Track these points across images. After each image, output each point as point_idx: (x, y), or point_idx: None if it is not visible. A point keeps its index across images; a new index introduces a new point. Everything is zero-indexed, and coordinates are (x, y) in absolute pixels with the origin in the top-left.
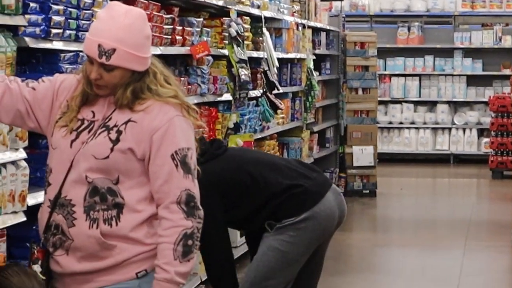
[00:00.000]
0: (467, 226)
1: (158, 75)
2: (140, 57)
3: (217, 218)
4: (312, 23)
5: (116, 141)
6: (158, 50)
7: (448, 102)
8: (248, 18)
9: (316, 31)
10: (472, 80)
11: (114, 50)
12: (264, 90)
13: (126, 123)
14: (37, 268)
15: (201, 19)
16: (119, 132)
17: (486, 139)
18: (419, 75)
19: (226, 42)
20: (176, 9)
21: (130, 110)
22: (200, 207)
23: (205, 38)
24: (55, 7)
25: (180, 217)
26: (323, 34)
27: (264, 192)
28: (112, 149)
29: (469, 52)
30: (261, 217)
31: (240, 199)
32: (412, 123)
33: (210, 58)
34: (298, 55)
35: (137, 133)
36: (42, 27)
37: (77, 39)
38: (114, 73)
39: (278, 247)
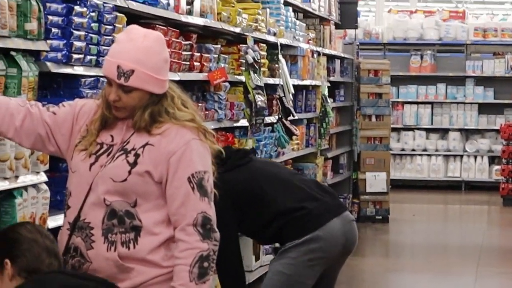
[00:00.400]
0: (478, 252)
1: (176, 99)
2: (158, 80)
3: (230, 225)
4: (327, 51)
5: (134, 164)
6: (177, 76)
7: (459, 130)
8: (264, 45)
9: (330, 58)
10: (484, 108)
11: (132, 71)
12: (280, 116)
13: (143, 146)
14: None
15: (219, 46)
16: (136, 155)
17: (497, 167)
18: (431, 103)
19: (243, 68)
20: (194, 36)
21: (147, 134)
22: (217, 230)
23: (222, 65)
24: (76, 32)
25: (196, 239)
26: (338, 62)
27: (270, 209)
28: (130, 172)
29: (480, 81)
30: (267, 236)
31: (250, 212)
32: (424, 150)
33: (227, 84)
34: (313, 82)
35: (154, 156)
36: (63, 52)
37: (98, 65)
38: (132, 95)
39: (282, 270)
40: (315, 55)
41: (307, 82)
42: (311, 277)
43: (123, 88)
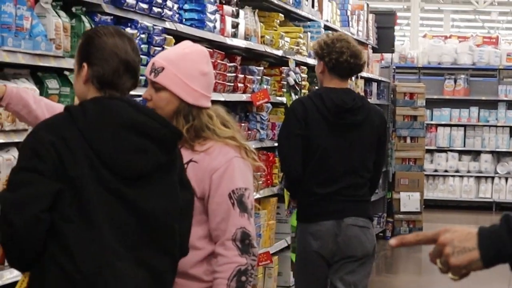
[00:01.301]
0: (509, 272)
1: (215, 118)
2: (188, 86)
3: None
4: (364, 74)
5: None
6: (221, 97)
7: (491, 152)
8: (305, 67)
9: (368, 81)
10: None
11: (163, 68)
12: None
13: (187, 162)
14: None
15: (262, 68)
16: None
17: None
18: (464, 126)
19: (285, 90)
20: (239, 58)
21: (191, 150)
22: (255, 245)
23: (265, 86)
24: None
25: (234, 253)
26: (374, 85)
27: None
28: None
29: None
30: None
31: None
32: (457, 171)
33: (269, 105)
34: None
35: (197, 173)
36: None
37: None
38: (161, 95)
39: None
40: (353, 78)
41: None
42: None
43: (154, 86)
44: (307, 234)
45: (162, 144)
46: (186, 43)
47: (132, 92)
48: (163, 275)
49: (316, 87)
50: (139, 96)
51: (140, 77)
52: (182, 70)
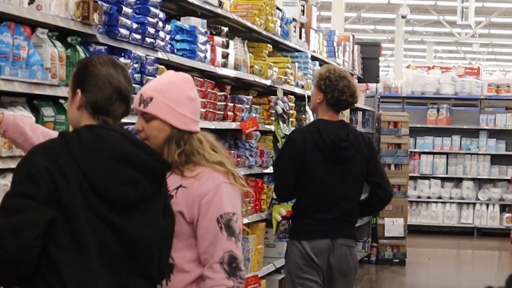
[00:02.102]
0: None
1: (205, 143)
2: (178, 112)
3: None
4: None
5: None
6: (212, 125)
7: (473, 179)
8: (293, 96)
9: (353, 110)
10: (496, 159)
11: (151, 98)
12: None
13: (177, 188)
14: None
15: (251, 97)
16: (170, 197)
17: (508, 214)
18: (447, 153)
19: (273, 118)
20: (229, 87)
21: (181, 176)
22: (242, 268)
23: (254, 115)
24: None
25: (222, 276)
26: (360, 113)
27: None
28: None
29: (493, 133)
30: None
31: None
32: (439, 197)
33: (258, 133)
34: None
35: (187, 198)
36: None
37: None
38: (152, 124)
39: None
40: None
41: None
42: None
43: (144, 117)
44: (304, 248)
45: (152, 176)
46: (170, 72)
47: (127, 120)
48: None
49: (303, 115)
50: (133, 123)
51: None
52: (170, 97)
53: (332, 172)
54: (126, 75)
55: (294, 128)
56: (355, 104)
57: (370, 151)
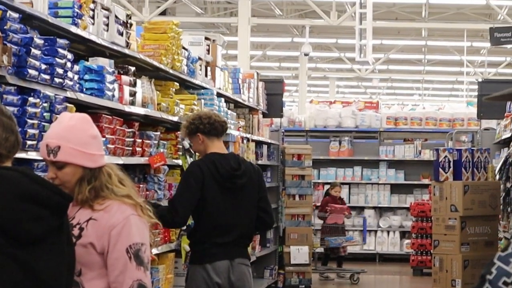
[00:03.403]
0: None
1: (113, 176)
2: (86, 153)
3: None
4: (255, 137)
5: (78, 237)
6: (120, 160)
7: (374, 208)
8: None
9: (258, 144)
10: (395, 188)
11: (59, 147)
12: None
13: (87, 220)
14: None
15: (158, 133)
16: (81, 229)
17: (407, 241)
18: (349, 183)
19: (180, 153)
20: (137, 124)
21: (91, 209)
22: None
23: (161, 150)
24: (30, 121)
25: None
26: (265, 147)
27: None
28: (75, 244)
29: (392, 164)
30: None
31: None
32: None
33: (166, 167)
34: None
35: (97, 229)
36: None
37: None
38: (65, 171)
39: None
40: (244, 141)
41: None
42: None
43: (55, 165)
44: (206, 271)
45: (55, 210)
46: (65, 115)
47: (37, 157)
48: None
49: None
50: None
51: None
52: (75, 142)
53: (228, 199)
54: (5, 113)
55: None
56: (257, 136)
57: (260, 179)
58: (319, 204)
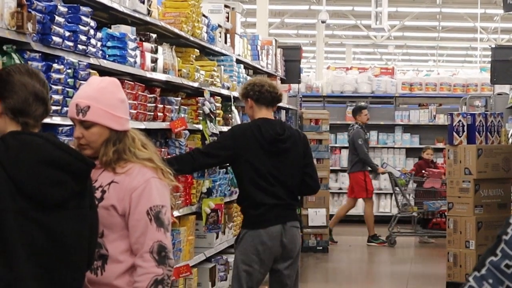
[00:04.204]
0: (406, 278)
1: (137, 140)
2: (115, 116)
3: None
4: None
5: (100, 199)
6: (142, 125)
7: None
8: (219, 97)
9: (277, 109)
10: (410, 152)
11: (88, 107)
12: None
13: (109, 183)
14: None
15: (179, 98)
16: (103, 192)
17: None
18: None
19: (201, 118)
20: (158, 90)
21: (113, 172)
22: (171, 257)
23: (182, 115)
24: (54, 87)
25: (151, 265)
26: (283, 112)
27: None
28: (97, 206)
29: (408, 128)
30: None
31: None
32: None
33: (186, 132)
34: None
35: (118, 192)
36: None
37: None
38: (92, 130)
39: None
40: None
41: None
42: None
43: (83, 125)
44: (260, 236)
45: (77, 176)
46: (95, 78)
47: (61, 122)
48: (70, 286)
49: (229, 115)
50: (69, 125)
51: (67, 108)
52: (105, 103)
53: (272, 163)
54: (40, 80)
55: (220, 126)
56: (280, 103)
57: (305, 146)
58: (336, 167)
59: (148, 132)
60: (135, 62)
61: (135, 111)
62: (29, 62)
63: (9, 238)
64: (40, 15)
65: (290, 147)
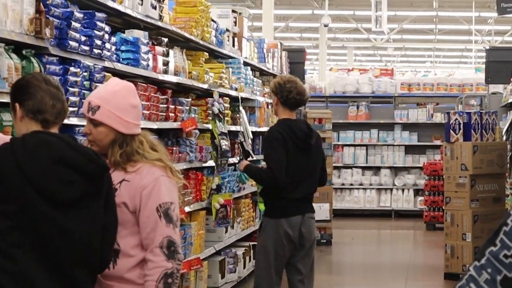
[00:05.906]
0: (406, 269)
1: (145, 143)
2: (122, 119)
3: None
4: None
5: None
6: (155, 125)
7: (389, 167)
8: (227, 98)
9: None
10: (409, 149)
11: (98, 107)
12: (241, 157)
13: (120, 182)
14: None
15: (190, 99)
16: (115, 190)
17: (421, 198)
18: (366, 145)
19: (210, 118)
20: (170, 91)
21: (124, 171)
22: (180, 251)
23: (193, 115)
24: (71, 89)
25: (161, 259)
26: None
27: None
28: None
29: (406, 126)
30: None
31: None
32: (361, 184)
33: (197, 131)
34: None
35: (129, 190)
36: None
37: None
38: (99, 129)
39: None
40: (269, 106)
41: (263, 129)
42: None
43: (92, 122)
44: (281, 225)
45: (89, 177)
46: (115, 81)
47: (78, 123)
48: (82, 286)
49: (237, 115)
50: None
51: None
52: (115, 106)
53: (303, 159)
54: (54, 85)
55: (229, 126)
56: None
57: (320, 142)
58: (338, 164)
59: (160, 131)
60: (148, 65)
61: (148, 112)
62: (47, 66)
63: (20, 231)
64: (58, 21)
65: (314, 143)
